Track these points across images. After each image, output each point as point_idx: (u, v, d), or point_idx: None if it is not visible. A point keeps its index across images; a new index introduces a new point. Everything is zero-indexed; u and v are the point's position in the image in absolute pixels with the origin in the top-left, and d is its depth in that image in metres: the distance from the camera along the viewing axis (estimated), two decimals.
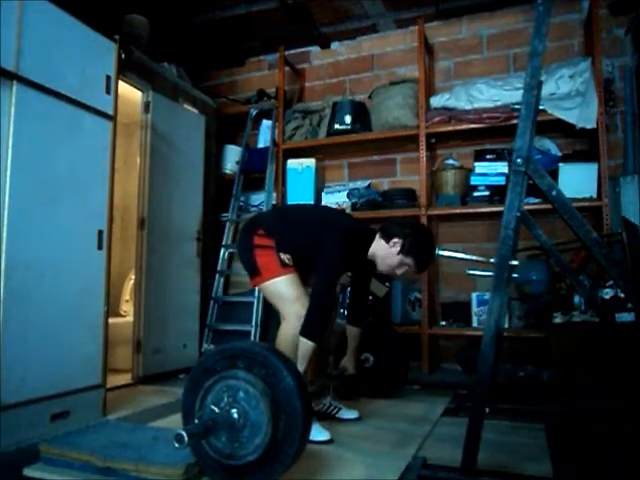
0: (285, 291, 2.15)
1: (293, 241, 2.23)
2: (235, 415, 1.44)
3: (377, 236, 2.25)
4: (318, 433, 1.97)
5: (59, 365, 2.19)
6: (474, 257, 2.29)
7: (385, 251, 2.20)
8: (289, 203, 3.82)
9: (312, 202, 3.77)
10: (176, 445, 1.36)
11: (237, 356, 1.49)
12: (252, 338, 3.51)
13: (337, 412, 2.34)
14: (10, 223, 2.00)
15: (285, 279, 2.15)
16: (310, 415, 1.49)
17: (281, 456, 1.42)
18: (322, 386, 2.38)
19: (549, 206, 1.68)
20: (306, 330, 2.04)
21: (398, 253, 2.16)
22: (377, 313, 3.66)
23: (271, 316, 3.62)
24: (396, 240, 2.16)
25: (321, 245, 2.11)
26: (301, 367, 1.97)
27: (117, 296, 3.96)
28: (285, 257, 2.18)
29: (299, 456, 1.46)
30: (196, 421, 1.47)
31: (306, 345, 2.03)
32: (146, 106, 3.39)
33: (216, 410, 1.46)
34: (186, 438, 1.36)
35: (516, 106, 1.69)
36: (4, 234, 1.98)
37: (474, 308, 3.41)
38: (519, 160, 1.59)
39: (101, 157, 2.49)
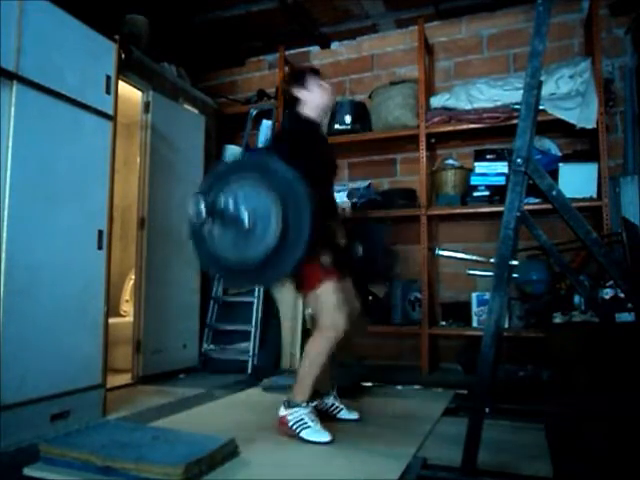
0: (328, 300, 2.07)
1: None
2: (246, 215, 1.55)
3: (298, 102, 2.30)
4: (318, 434, 1.97)
5: (59, 365, 2.19)
6: (474, 257, 2.28)
7: (308, 95, 2.28)
8: None
9: None
10: (193, 219, 1.46)
11: (259, 167, 1.61)
12: (252, 338, 3.51)
13: (338, 412, 2.34)
14: (10, 223, 2.00)
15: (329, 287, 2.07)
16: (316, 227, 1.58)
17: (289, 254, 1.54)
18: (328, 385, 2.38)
19: (549, 206, 1.68)
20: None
21: (313, 85, 2.28)
22: (377, 313, 3.67)
23: (271, 316, 3.63)
24: (305, 77, 2.29)
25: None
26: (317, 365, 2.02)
27: (117, 296, 3.96)
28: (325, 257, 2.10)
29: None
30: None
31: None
32: (146, 106, 3.39)
33: (230, 205, 1.56)
34: (203, 210, 1.43)
35: (516, 106, 1.69)
36: (4, 234, 1.98)
37: (474, 308, 3.41)
38: (519, 160, 1.59)
39: (101, 157, 2.49)
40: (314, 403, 2.09)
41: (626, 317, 2.14)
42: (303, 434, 1.98)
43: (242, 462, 1.77)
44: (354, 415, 2.34)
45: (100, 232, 2.44)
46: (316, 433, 1.97)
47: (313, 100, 2.29)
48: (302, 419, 2.00)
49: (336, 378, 2.44)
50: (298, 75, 2.36)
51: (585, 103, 3.07)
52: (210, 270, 1.72)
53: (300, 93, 2.29)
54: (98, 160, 2.47)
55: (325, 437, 1.96)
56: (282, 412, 2.07)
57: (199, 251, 1.70)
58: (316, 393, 2.30)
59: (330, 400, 2.35)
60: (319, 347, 2.06)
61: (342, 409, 2.35)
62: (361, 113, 3.79)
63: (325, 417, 2.27)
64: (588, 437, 1.99)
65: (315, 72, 2.38)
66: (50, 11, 2.24)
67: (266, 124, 4.13)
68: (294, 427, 2.01)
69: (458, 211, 3.46)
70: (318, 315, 2.12)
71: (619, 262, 2.18)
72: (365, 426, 2.24)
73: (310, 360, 2.08)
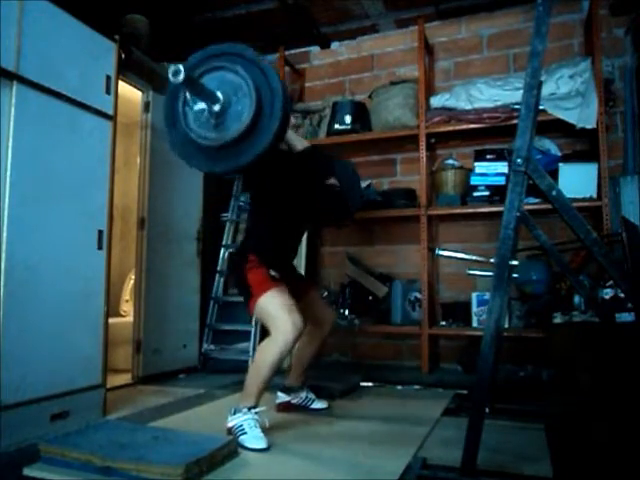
0: (275, 305, 2.12)
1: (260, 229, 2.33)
2: (222, 97, 1.63)
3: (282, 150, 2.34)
4: (254, 441, 1.94)
5: (59, 365, 2.19)
6: (474, 257, 2.28)
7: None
8: None
9: None
10: (171, 78, 1.49)
11: (239, 56, 1.67)
12: (252, 338, 3.51)
13: (311, 404, 2.52)
14: (10, 223, 2.00)
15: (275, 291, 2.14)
16: (287, 116, 1.68)
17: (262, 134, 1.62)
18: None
19: (549, 206, 1.68)
20: None
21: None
22: (377, 313, 3.67)
23: None
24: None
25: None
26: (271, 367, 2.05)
27: (117, 296, 3.96)
28: (274, 274, 2.20)
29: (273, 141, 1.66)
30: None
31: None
32: (146, 106, 3.39)
33: (209, 84, 1.63)
34: (182, 71, 1.47)
35: (516, 106, 1.70)
36: (4, 234, 1.98)
37: (474, 308, 3.41)
38: (519, 160, 1.59)
39: (101, 157, 2.49)
40: (258, 409, 2.07)
41: (626, 317, 2.14)
42: (240, 440, 1.96)
43: (242, 462, 1.78)
44: (324, 404, 2.54)
45: (100, 232, 2.44)
46: (252, 439, 1.95)
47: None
48: (241, 425, 2.00)
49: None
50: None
51: (585, 103, 3.07)
52: (182, 152, 1.76)
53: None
54: (98, 160, 2.48)
55: (260, 444, 1.93)
56: (228, 418, 2.07)
57: (173, 132, 1.76)
58: (290, 389, 2.50)
59: (304, 394, 2.52)
60: (267, 354, 2.07)
61: (314, 400, 2.53)
62: (361, 113, 3.79)
63: (300, 409, 2.48)
64: (588, 437, 1.99)
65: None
66: (50, 11, 2.24)
67: None
68: (235, 432, 2.00)
69: (458, 211, 3.46)
70: (265, 324, 2.18)
71: (619, 262, 2.18)
72: (365, 426, 2.24)
73: (257, 368, 2.09)
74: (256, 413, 2.04)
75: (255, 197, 2.47)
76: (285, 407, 2.48)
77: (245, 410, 2.04)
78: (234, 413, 2.06)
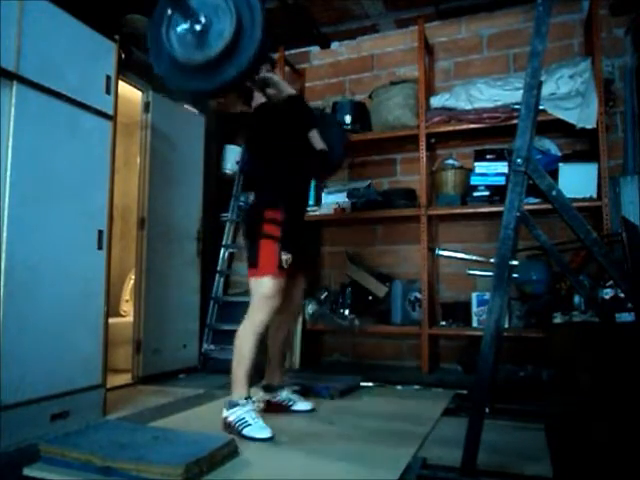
0: (268, 288, 2.18)
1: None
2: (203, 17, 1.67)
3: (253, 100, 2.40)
4: (260, 431, 1.98)
5: (59, 365, 2.19)
6: (474, 257, 2.29)
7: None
8: None
9: (312, 202, 3.76)
10: None
11: None
12: None
13: (293, 405, 2.43)
14: (10, 223, 2.00)
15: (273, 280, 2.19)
16: (267, 31, 1.68)
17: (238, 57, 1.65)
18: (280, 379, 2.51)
19: (549, 206, 1.68)
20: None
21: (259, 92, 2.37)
22: (377, 313, 3.67)
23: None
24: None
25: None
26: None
27: (117, 296, 3.96)
28: (285, 257, 2.20)
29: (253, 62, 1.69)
30: None
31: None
32: (146, 106, 3.39)
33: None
34: None
35: (516, 106, 1.70)
36: (4, 234, 1.98)
37: (474, 308, 3.41)
38: (519, 160, 1.59)
39: (101, 157, 2.49)
40: (254, 398, 2.14)
41: (626, 317, 2.14)
42: (245, 432, 1.99)
43: (242, 462, 1.77)
44: (308, 406, 2.43)
45: (100, 232, 2.44)
46: (257, 430, 1.99)
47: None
48: (243, 418, 2.02)
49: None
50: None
51: (585, 103, 3.07)
52: (170, 76, 1.79)
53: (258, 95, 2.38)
54: (98, 160, 2.48)
55: (266, 433, 1.98)
56: (224, 413, 2.09)
57: (158, 54, 1.80)
58: (269, 387, 2.46)
59: (284, 394, 2.45)
60: (244, 341, 2.15)
61: (297, 401, 2.44)
62: (361, 113, 3.78)
63: (280, 410, 2.39)
64: (588, 437, 1.99)
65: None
66: (50, 11, 2.24)
67: None
68: (236, 426, 2.02)
69: (458, 211, 3.46)
70: (252, 296, 2.24)
71: (619, 262, 2.18)
72: (365, 426, 2.24)
73: (239, 353, 2.15)
74: (254, 402, 2.09)
75: (257, 151, 2.46)
76: (265, 406, 2.41)
77: (243, 402, 2.06)
78: (231, 407, 2.07)
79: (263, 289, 2.18)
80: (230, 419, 2.04)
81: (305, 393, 2.62)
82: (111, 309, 2.64)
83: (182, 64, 1.74)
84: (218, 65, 1.69)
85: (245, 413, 2.03)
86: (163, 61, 1.80)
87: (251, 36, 1.66)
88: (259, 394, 2.44)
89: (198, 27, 1.70)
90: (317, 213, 3.77)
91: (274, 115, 2.34)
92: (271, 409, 2.39)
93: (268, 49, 1.83)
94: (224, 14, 1.66)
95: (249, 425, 1.99)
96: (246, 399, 2.08)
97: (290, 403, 2.44)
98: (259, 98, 2.37)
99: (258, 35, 1.66)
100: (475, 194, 3.38)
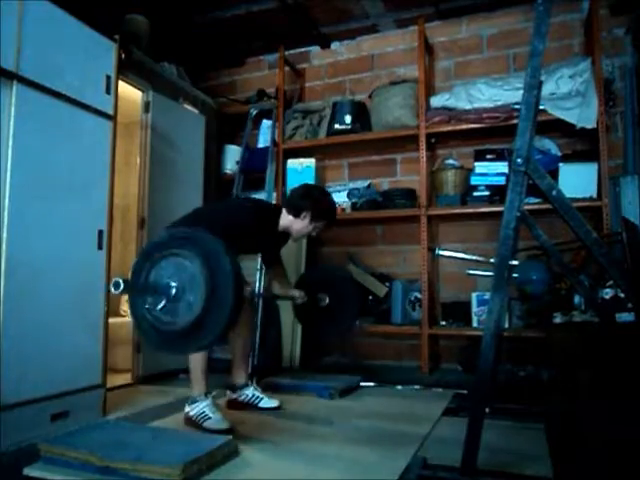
0: None
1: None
2: (174, 288, 1.59)
3: (284, 212, 2.47)
4: (219, 423, 2.09)
5: (59, 365, 2.19)
6: (474, 257, 2.29)
7: (299, 225, 2.46)
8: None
9: None
10: (112, 290, 1.50)
11: (189, 239, 1.63)
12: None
13: (259, 402, 2.48)
14: (10, 223, 2.00)
15: None
16: (240, 303, 1.61)
17: (207, 330, 1.57)
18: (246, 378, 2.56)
19: (549, 206, 1.68)
20: None
21: (310, 222, 2.44)
22: (377, 313, 3.67)
23: (270, 318, 3.62)
24: (305, 214, 2.42)
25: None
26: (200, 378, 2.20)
27: (117, 296, 3.95)
28: None
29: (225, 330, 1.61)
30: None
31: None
32: (146, 106, 3.39)
33: (160, 278, 1.60)
34: (122, 284, 1.50)
35: (516, 106, 1.69)
36: (4, 234, 1.98)
37: (474, 308, 3.41)
38: (519, 160, 1.59)
39: (101, 157, 2.49)
40: (213, 394, 2.22)
41: (626, 317, 2.13)
42: (205, 425, 2.10)
43: (242, 462, 1.77)
44: (274, 403, 2.48)
45: (100, 232, 2.44)
46: (217, 422, 2.09)
47: (308, 230, 2.48)
48: (203, 412, 2.13)
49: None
50: (321, 206, 2.47)
51: (585, 103, 3.07)
52: (158, 346, 1.74)
53: (306, 218, 2.44)
54: (98, 160, 2.48)
55: (225, 425, 2.08)
56: (186, 409, 2.20)
57: (148, 334, 1.67)
58: (233, 386, 2.52)
59: (250, 391, 2.51)
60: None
61: (263, 398, 2.49)
62: (361, 113, 3.79)
63: (246, 407, 2.46)
64: (588, 437, 1.99)
65: (334, 209, 2.56)
66: (50, 11, 2.24)
67: (266, 124, 4.13)
68: (197, 420, 2.12)
69: (458, 211, 3.46)
70: None
71: (619, 262, 2.18)
72: (365, 426, 2.24)
73: (192, 357, 2.21)
74: (213, 397, 2.19)
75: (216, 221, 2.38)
76: (233, 404, 2.50)
77: (202, 397, 2.16)
78: (192, 403, 2.17)
79: None
80: (191, 414, 2.15)
81: (297, 392, 2.70)
82: (111, 309, 2.64)
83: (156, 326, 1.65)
84: (188, 334, 1.60)
85: (205, 407, 2.14)
86: (150, 330, 1.69)
87: (218, 318, 1.56)
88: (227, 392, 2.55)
89: (163, 301, 1.60)
90: None
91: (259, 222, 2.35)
92: (236, 406, 2.48)
93: (236, 321, 1.68)
94: (197, 287, 1.56)
95: (209, 418, 2.11)
96: (205, 395, 2.18)
97: (256, 401, 2.50)
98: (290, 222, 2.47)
99: (224, 322, 1.57)
100: (475, 194, 3.38)
